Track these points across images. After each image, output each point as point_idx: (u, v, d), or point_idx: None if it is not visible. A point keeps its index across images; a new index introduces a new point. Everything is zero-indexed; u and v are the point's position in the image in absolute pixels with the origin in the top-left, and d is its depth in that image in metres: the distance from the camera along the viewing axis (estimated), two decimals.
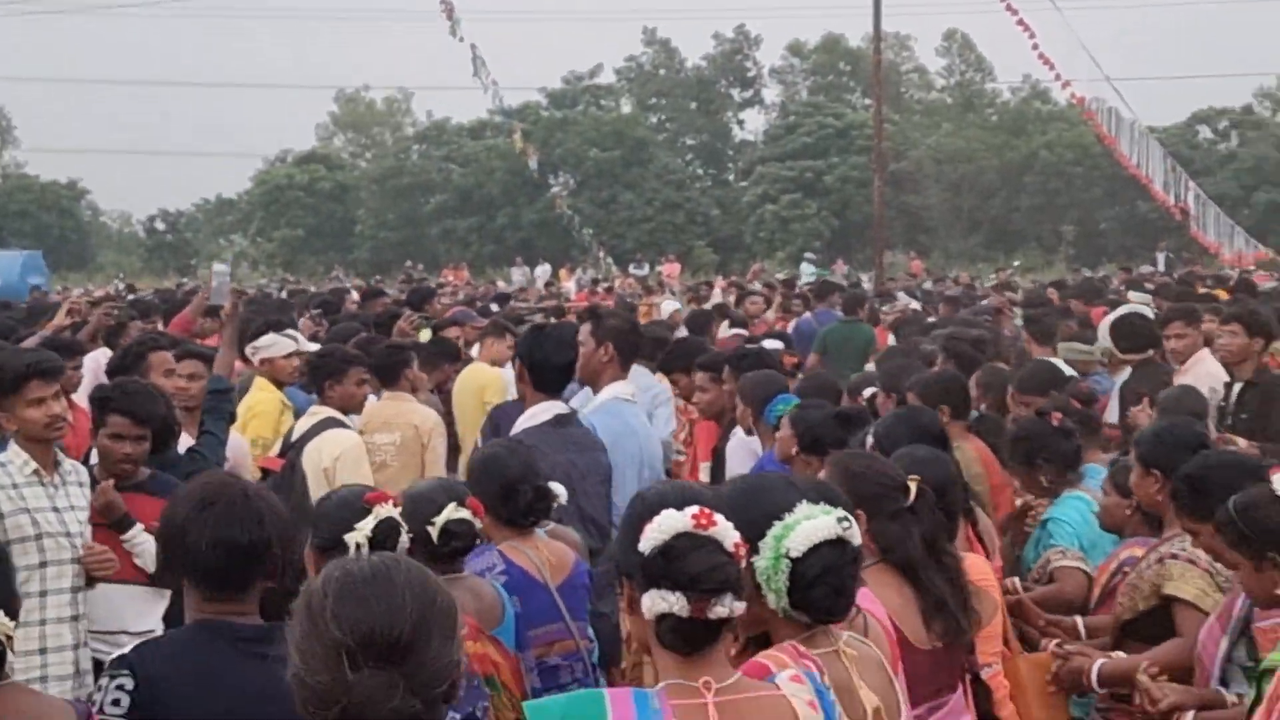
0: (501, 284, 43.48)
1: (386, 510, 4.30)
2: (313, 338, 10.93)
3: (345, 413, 8.02)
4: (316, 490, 7.01)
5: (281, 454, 7.95)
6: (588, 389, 7.44)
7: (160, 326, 12.22)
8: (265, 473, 7.76)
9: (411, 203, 70.23)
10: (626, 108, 75.81)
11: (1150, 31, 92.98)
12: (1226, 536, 4.42)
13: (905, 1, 75.64)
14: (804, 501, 3.60)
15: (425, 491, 4.80)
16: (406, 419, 8.54)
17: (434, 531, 4.60)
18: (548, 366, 6.79)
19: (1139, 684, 4.80)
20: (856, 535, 3.59)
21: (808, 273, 42.58)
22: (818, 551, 3.49)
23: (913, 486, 4.39)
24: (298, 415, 8.58)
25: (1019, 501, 6.98)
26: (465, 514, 4.71)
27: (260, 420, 8.76)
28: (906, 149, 64.99)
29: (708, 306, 18.96)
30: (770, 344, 10.54)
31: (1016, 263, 53.77)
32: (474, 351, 11.68)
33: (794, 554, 3.49)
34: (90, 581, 5.90)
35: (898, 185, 59.02)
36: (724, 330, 14.44)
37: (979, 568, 5.05)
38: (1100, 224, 64.95)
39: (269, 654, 3.15)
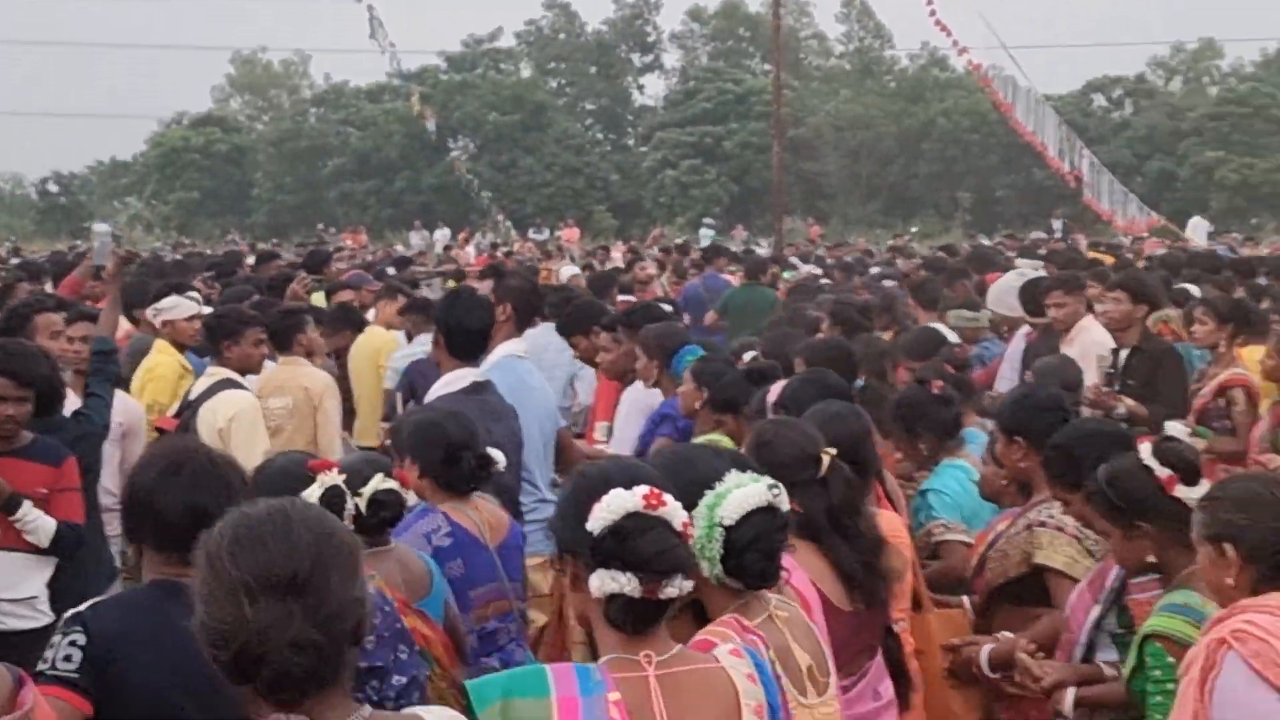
0: (400, 248, 43.19)
1: (332, 478, 4.33)
2: (205, 301, 10.79)
3: (243, 374, 7.93)
4: None
5: (178, 415, 7.83)
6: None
7: (50, 289, 12.03)
8: (161, 432, 7.63)
9: (309, 166, 69.70)
10: (526, 72, 75.45)
11: (1046, 1, 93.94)
12: (1096, 506, 4.48)
13: None
14: (733, 470, 3.62)
15: (351, 464, 4.77)
16: (298, 382, 8.49)
17: (362, 503, 4.54)
18: (463, 331, 6.77)
19: (1019, 663, 4.84)
20: (785, 501, 3.62)
21: (706, 238, 42.65)
22: (750, 519, 3.52)
23: (825, 459, 4.37)
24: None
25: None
26: (393, 484, 4.68)
27: (158, 384, 8.63)
28: (805, 115, 65.25)
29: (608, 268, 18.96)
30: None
31: (914, 229, 54.14)
32: (370, 315, 11.62)
33: (727, 522, 3.51)
34: None
35: (797, 151, 59.25)
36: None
37: (890, 524, 5.07)
38: (996, 191, 65.59)
39: None
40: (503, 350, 7.17)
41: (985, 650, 5.14)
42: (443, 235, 49.68)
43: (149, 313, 8.98)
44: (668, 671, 3.09)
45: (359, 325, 11.14)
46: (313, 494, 4.22)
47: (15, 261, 21.77)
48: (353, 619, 2.61)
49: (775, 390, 6.05)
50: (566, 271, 20.08)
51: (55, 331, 7.64)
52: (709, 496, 3.53)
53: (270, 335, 8.45)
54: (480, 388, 6.67)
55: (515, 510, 6.35)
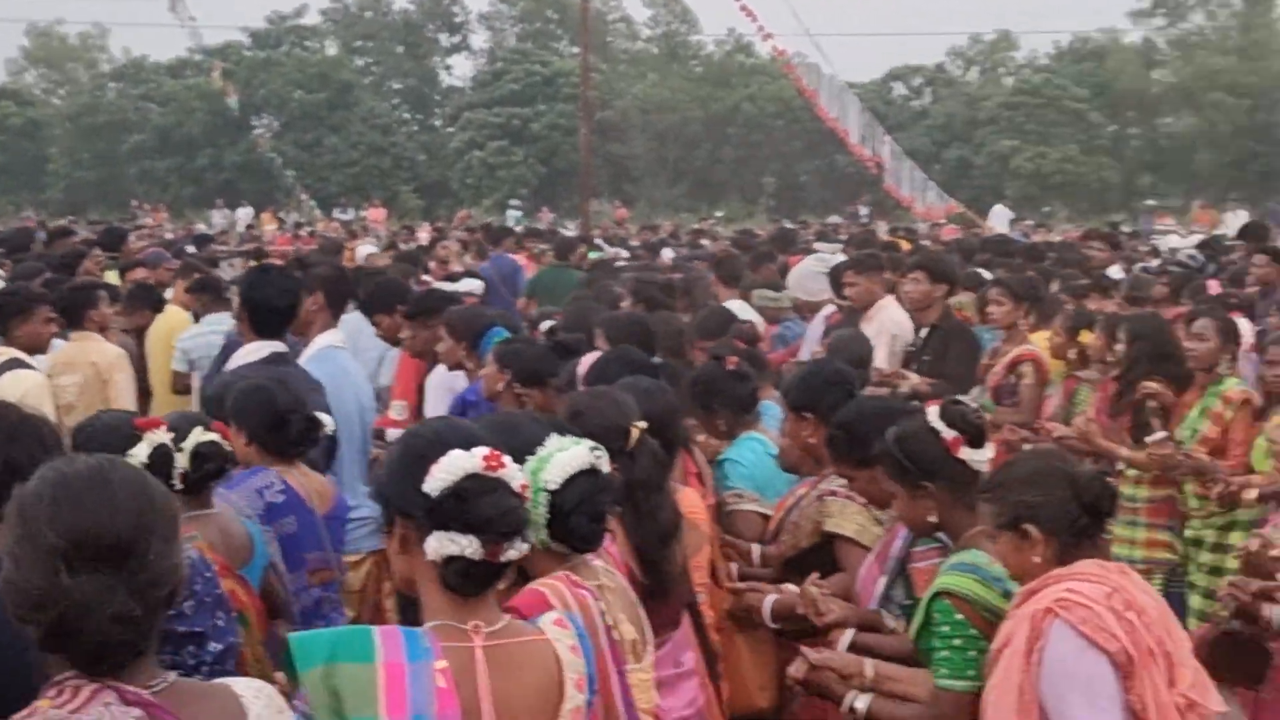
0: (201, 226, 42.39)
1: (160, 436, 4.25)
2: None
3: (31, 353, 7.75)
4: None
5: None
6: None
7: None
8: None
9: (108, 142, 67.94)
10: (332, 50, 74.44)
11: None
12: (886, 467, 4.55)
13: None
14: (554, 434, 3.65)
15: (169, 419, 4.67)
16: (86, 358, 8.34)
17: (184, 458, 4.46)
18: (267, 309, 6.65)
19: (806, 594, 4.89)
20: (606, 464, 3.64)
21: (513, 220, 42.60)
22: (574, 482, 3.54)
23: (634, 432, 4.40)
24: None
25: None
26: (214, 436, 4.60)
27: None
28: (613, 98, 65.40)
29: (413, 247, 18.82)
30: (469, 284, 10.54)
31: (719, 213, 54.66)
32: (169, 294, 11.41)
33: (551, 486, 3.53)
34: None
35: (604, 134, 59.38)
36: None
37: (690, 501, 5.13)
38: (800, 176, 66.49)
39: None
40: (321, 341, 7.07)
41: (769, 600, 5.22)
42: (245, 214, 48.85)
43: None
44: (495, 643, 3.04)
45: (158, 304, 10.90)
46: (140, 453, 4.16)
47: None
48: (169, 585, 2.54)
49: (586, 363, 6.09)
50: (364, 250, 19.90)
51: None
52: (532, 461, 3.54)
53: (61, 311, 8.27)
54: (281, 358, 6.57)
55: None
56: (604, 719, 3.37)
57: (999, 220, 38.51)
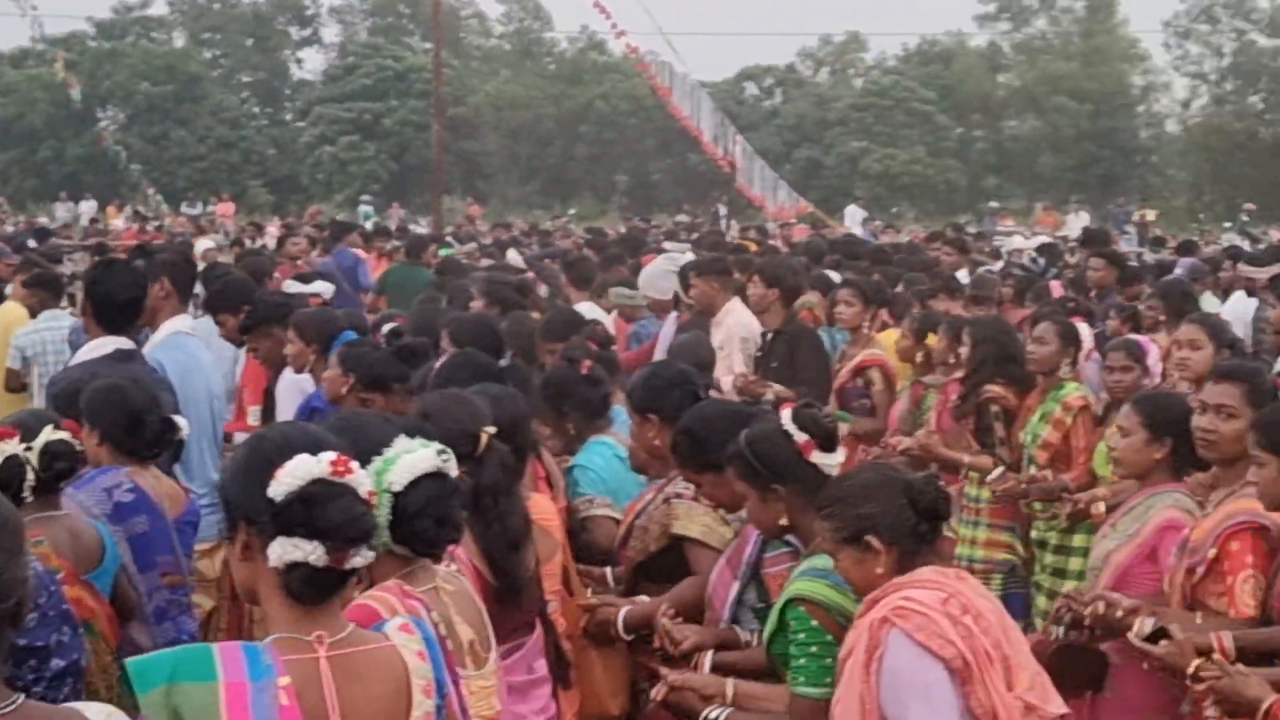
0: (44, 220, 41.50)
1: (11, 446, 4.17)
2: None
3: None
4: None
5: None
6: None
7: None
8: None
9: None
10: (179, 41, 73.10)
11: None
12: (737, 468, 4.59)
13: None
14: (402, 436, 3.63)
15: (16, 419, 4.58)
16: None
17: (34, 457, 4.37)
18: (112, 303, 6.53)
19: (659, 626, 4.94)
20: (454, 468, 3.64)
21: (365, 216, 42.27)
22: (419, 484, 3.54)
23: (483, 437, 4.39)
24: None
25: None
26: (64, 434, 4.52)
27: None
28: (465, 95, 65.05)
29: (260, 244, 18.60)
30: (320, 286, 10.45)
31: (572, 210, 54.64)
32: (9, 289, 11.17)
33: (396, 488, 3.52)
34: None
35: (456, 131, 59.06)
36: None
37: (542, 507, 5.14)
38: (653, 175, 66.62)
39: None
40: (169, 327, 6.98)
41: (623, 612, 5.23)
42: (89, 207, 47.96)
43: None
44: (340, 653, 2.99)
45: None
46: None
47: None
48: (14, 599, 2.50)
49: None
50: (201, 245, 19.66)
51: None
52: (377, 462, 3.53)
53: None
54: (128, 355, 6.47)
55: None
56: None
57: (852, 220, 39.02)
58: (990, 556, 8.08)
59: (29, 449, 4.38)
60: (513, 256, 18.89)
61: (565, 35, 76.21)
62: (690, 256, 12.43)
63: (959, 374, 8.57)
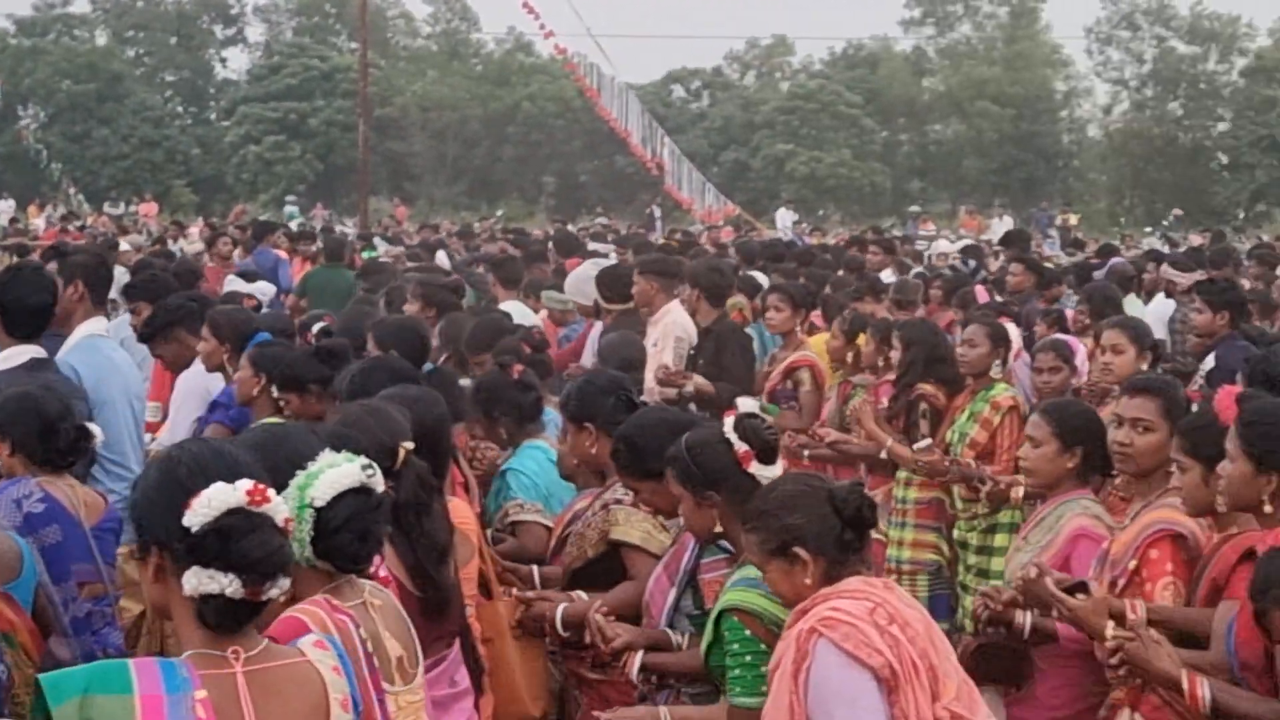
0: None
1: None
2: None
3: None
4: None
5: None
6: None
7: None
8: None
9: None
10: (102, 40, 72.41)
11: None
12: (675, 471, 4.60)
13: None
14: (326, 450, 3.58)
15: None
16: None
17: None
18: (21, 309, 6.39)
19: (591, 623, 4.94)
20: (380, 482, 3.59)
21: (290, 216, 42.02)
22: (342, 499, 3.49)
23: (401, 452, 4.34)
24: None
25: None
26: None
27: None
28: (392, 95, 64.76)
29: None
30: (261, 287, 10.36)
31: (500, 212, 54.53)
32: None
33: (318, 503, 3.47)
34: None
35: (383, 131, 58.84)
36: None
37: (460, 512, 5.10)
38: (581, 176, 66.61)
39: None
40: (83, 330, 6.82)
41: (560, 608, 5.22)
42: (7, 206, 47.29)
43: None
44: (256, 668, 2.95)
45: None
46: None
47: None
48: None
49: None
50: (122, 245, 19.46)
51: None
52: (300, 477, 3.49)
53: None
54: (41, 364, 6.33)
55: None
56: None
57: (783, 223, 39.19)
58: (917, 557, 8.16)
59: None
60: (441, 259, 18.81)
61: (493, 36, 76.09)
62: (614, 259, 12.42)
63: (889, 376, 8.62)
